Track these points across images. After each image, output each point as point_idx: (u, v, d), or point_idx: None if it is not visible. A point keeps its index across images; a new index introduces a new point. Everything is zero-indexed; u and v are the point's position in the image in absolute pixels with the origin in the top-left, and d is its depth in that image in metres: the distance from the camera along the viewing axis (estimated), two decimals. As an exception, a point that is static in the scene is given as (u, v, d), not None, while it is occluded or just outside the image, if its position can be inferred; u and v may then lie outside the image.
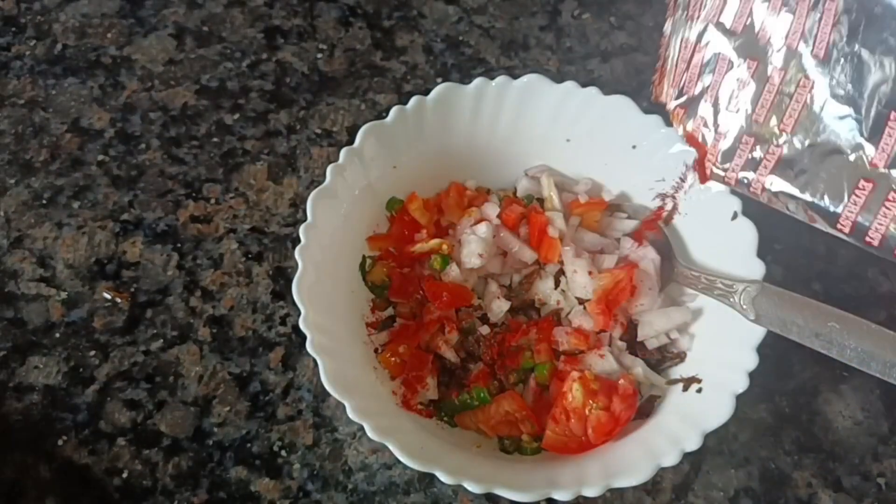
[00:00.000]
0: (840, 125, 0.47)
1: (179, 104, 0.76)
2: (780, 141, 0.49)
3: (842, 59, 0.46)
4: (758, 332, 0.55)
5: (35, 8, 0.81)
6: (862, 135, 0.46)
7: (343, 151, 0.62)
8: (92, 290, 0.66)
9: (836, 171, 0.47)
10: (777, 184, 0.50)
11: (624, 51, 0.80)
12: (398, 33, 0.81)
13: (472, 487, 0.50)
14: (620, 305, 0.61)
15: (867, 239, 0.46)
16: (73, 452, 0.59)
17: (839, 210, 0.47)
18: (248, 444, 0.60)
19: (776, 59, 0.48)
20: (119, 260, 0.67)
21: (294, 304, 0.55)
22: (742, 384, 0.53)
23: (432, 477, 0.50)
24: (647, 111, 0.62)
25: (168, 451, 0.60)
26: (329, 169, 0.61)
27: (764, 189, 0.50)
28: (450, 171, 0.67)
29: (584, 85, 0.64)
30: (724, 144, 0.51)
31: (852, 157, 0.47)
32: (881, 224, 0.46)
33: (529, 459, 0.57)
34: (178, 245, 0.68)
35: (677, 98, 0.54)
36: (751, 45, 0.49)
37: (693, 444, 0.51)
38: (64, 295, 0.66)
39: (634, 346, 0.61)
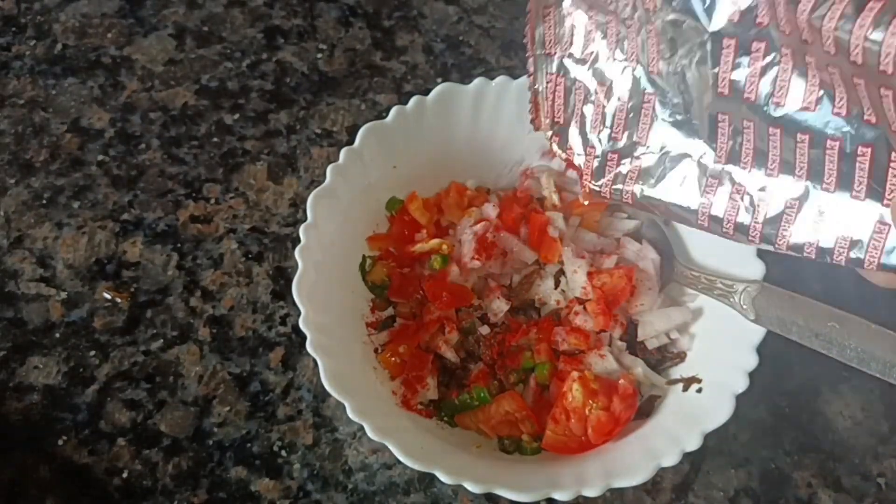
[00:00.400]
0: (681, 132, 0.52)
1: (179, 104, 0.76)
2: (638, 153, 0.54)
3: (670, 74, 0.51)
4: (758, 332, 0.55)
5: (35, 8, 0.81)
6: (700, 138, 0.51)
7: (343, 151, 0.62)
8: (92, 290, 0.66)
9: (687, 173, 0.52)
10: (643, 191, 0.55)
11: (624, 51, 0.80)
12: (398, 33, 0.81)
13: (472, 487, 0.50)
14: (620, 305, 0.61)
15: (723, 230, 0.51)
16: (73, 452, 0.59)
17: (696, 207, 0.52)
18: (248, 444, 0.60)
19: (621, 81, 0.54)
20: (119, 260, 0.67)
21: (294, 304, 0.55)
22: (742, 384, 0.53)
23: (432, 477, 0.50)
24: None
25: (168, 451, 0.60)
26: (329, 169, 0.61)
27: (634, 197, 0.55)
28: (450, 171, 0.67)
29: (584, 85, 0.64)
30: (595, 163, 0.57)
31: (697, 158, 0.52)
32: (731, 215, 0.50)
33: (529, 459, 0.57)
34: (178, 245, 0.68)
35: (551, 128, 0.60)
36: (599, 72, 0.56)
37: (693, 444, 0.51)
38: (64, 295, 0.66)
39: (634, 346, 0.61)
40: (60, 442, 0.60)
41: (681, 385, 0.58)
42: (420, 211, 0.64)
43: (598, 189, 0.57)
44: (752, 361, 0.54)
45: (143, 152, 0.73)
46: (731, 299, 0.57)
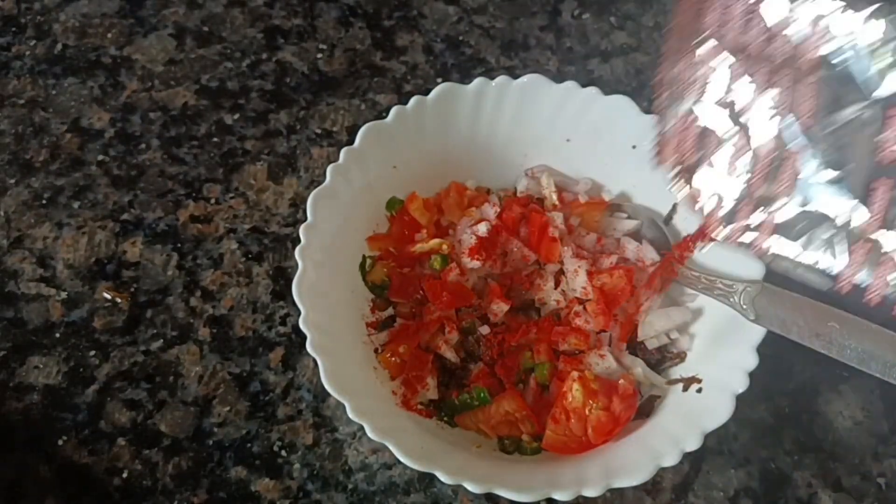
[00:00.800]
0: (830, 190, 0.49)
1: (179, 104, 0.76)
2: (775, 206, 0.51)
3: (825, 129, 0.48)
4: (758, 332, 0.55)
5: (35, 8, 0.81)
6: (852, 199, 0.48)
7: (343, 151, 0.62)
8: (92, 290, 0.66)
9: (830, 234, 0.50)
10: (776, 247, 0.52)
11: (624, 51, 0.80)
12: (398, 33, 0.81)
13: (472, 487, 0.50)
14: (620, 305, 0.61)
15: (865, 299, 0.48)
16: (73, 452, 0.59)
17: (837, 272, 0.49)
18: (248, 444, 0.60)
19: (766, 129, 0.51)
20: (119, 260, 0.67)
21: (294, 304, 0.55)
22: (742, 384, 0.53)
23: (432, 477, 0.50)
24: (647, 111, 0.62)
25: (168, 451, 0.60)
26: (329, 169, 0.61)
27: (764, 252, 0.52)
28: (450, 171, 0.67)
29: (584, 85, 0.64)
30: (724, 211, 0.54)
31: (844, 221, 0.49)
32: (878, 285, 0.48)
33: (529, 459, 0.57)
34: (178, 245, 0.68)
35: (677, 167, 0.57)
36: (742, 118, 0.52)
37: (693, 444, 0.51)
38: (64, 295, 0.66)
39: (634, 346, 0.61)
40: (60, 442, 0.60)
41: (681, 385, 0.58)
42: (420, 211, 0.64)
43: (722, 239, 0.54)
44: (752, 361, 0.54)
45: (143, 152, 0.73)
46: (731, 299, 0.57)
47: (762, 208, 0.52)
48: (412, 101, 0.63)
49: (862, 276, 0.48)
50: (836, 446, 0.61)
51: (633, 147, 0.64)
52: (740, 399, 0.53)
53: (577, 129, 0.66)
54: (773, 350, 0.55)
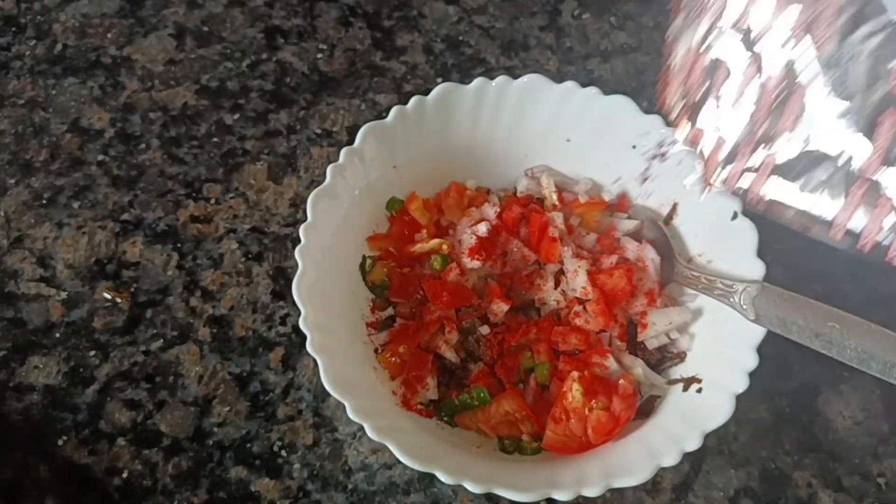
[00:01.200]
0: (835, 125, 0.47)
1: (179, 104, 0.76)
2: (776, 146, 0.50)
3: (838, 58, 0.47)
4: (758, 332, 0.55)
5: (35, 8, 0.81)
6: (856, 133, 0.47)
7: (343, 151, 0.62)
8: (92, 290, 0.66)
9: (829, 175, 0.48)
10: (773, 192, 0.51)
11: (624, 51, 0.80)
12: (398, 33, 0.81)
13: (472, 487, 0.50)
14: (620, 305, 0.61)
15: (859, 246, 0.48)
16: (73, 452, 0.59)
17: (831, 218, 0.48)
18: (248, 444, 0.60)
19: (775, 59, 0.49)
20: (119, 260, 0.67)
21: (294, 304, 0.55)
22: (742, 384, 0.53)
23: (432, 477, 0.50)
24: (647, 111, 0.62)
25: (168, 451, 0.60)
26: (329, 169, 0.61)
27: (760, 199, 0.52)
28: (450, 171, 0.67)
29: (584, 85, 0.64)
30: (724, 152, 0.52)
31: (845, 161, 0.48)
32: (872, 229, 0.47)
33: (529, 459, 0.57)
34: (178, 245, 0.68)
35: (681, 105, 0.56)
36: (755, 44, 0.50)
37: (693, 444, 0.51)
38: (64, 295, 0.66)
39: (634, 346, 0.61)
40: (60, 442, 0.60)
41: (681, 385, 0.58)
42: (420, 211, 0.64)
43: (721, 181, 0.53)
44: (752, 361, 0.54)
45: (143, 152, 0.73)
46: (731, 299, 0.57)
47: (764, 146, 0.50)
48: (412, 101, 0.63)
49: (857, 221, 0.47)
50: (836, 446, 0.61)
51: (633, 147, 0.64)
52: (740, 399, 0.53)
53: (577, 129, 0.66)
54: (773, 350, 0.55)
